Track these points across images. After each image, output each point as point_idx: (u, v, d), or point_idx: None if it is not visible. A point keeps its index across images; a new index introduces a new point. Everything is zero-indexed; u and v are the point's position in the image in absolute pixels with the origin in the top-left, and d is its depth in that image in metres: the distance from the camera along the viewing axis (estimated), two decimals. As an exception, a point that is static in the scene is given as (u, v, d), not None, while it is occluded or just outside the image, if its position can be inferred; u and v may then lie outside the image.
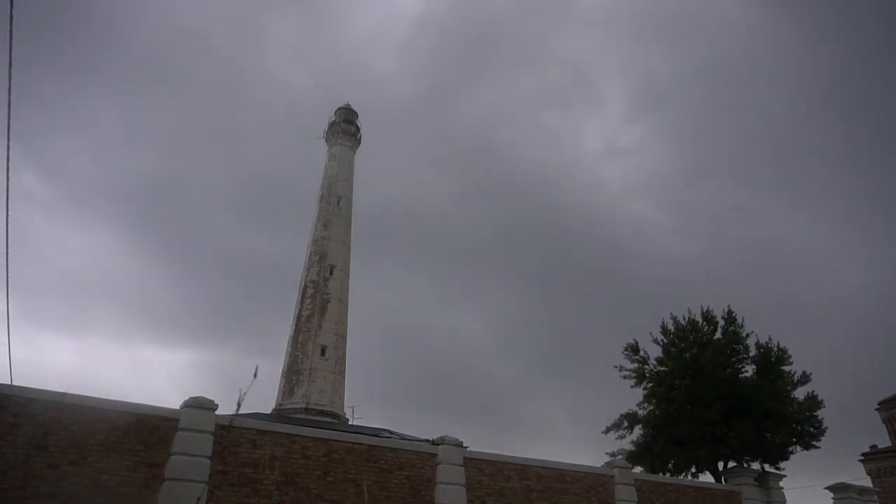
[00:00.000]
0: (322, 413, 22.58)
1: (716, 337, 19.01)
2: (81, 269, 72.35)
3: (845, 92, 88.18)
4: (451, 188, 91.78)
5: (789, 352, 18.51)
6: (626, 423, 19.26)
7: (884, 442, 37.03)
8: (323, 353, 24.44)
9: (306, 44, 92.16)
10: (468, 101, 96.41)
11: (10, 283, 10.81)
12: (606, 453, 19.52)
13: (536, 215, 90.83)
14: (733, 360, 18.59)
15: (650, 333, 19.89)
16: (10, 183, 8.46)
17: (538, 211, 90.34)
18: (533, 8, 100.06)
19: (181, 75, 77.92)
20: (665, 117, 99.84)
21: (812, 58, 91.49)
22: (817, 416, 17.83)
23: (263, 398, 24.62)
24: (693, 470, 18.65)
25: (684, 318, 19.60)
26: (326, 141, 31.67)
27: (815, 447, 17.81)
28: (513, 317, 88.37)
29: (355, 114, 32.74)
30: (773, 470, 17.60)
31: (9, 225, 9.66)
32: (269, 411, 22.80)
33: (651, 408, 19.00)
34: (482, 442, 12.91)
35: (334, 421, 22.11)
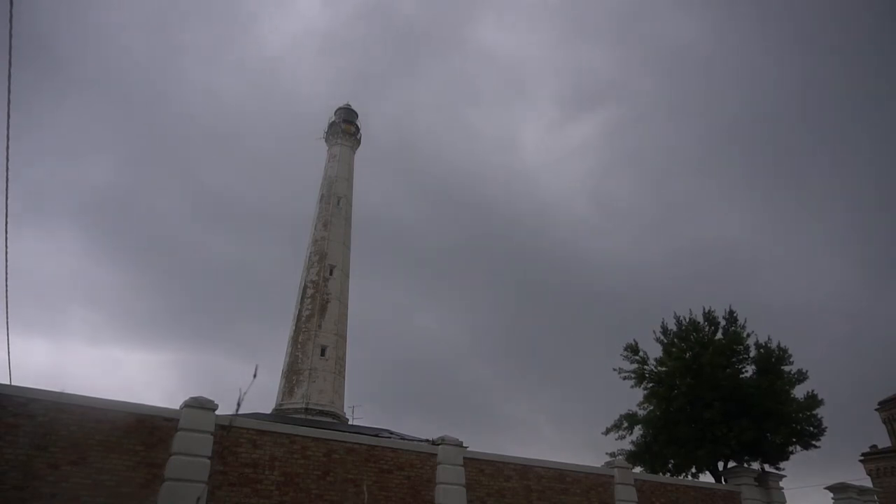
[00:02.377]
0: (322, 413, 22.58)
1: (717, 337, 19.02)
2: (47, 273, 71.83)
3: (796, 90, 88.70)
4: (396, 194, 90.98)
5: (789, 351, 18.55)
6: (625, 424, 19.25)
7: (884, 442, 37.05)
8: (323, 353, 24.44)
9: (224, 55, 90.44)
10: (398, 104, 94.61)
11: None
12: (606, 453, 19.54)
13: (488, 222, 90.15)
14: (734, 360, 18.59)
15: (652, 332, 19.92)
16: (7, 187, 8.47)
17: (489, 217, 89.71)
18: (465, 6, 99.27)
19: (116, 91, 76.48)
20: (605, 117, 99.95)
21: (764, 56, 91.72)
22: (817, 415, 17.82)
23: (263, 398, 24.66)
24: (693, 470, 18.64)
25: (685, 318, 19.61)
26: (326, 141, 31.66)
27: (815, 447, 17.81)
28: (476, 322, 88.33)
29: (355, 114, 32.72)
30: (772, 470, 17.60)
31: (8, 227, 9.66)
32: (269, 411, 22.80)
33: (651, 408, 18.99)
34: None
35: (334, 421, 22.11)
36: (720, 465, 18.08)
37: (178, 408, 9.78)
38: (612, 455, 18.87)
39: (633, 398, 19.50)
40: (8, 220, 9.52)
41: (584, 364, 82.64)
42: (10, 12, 5.73)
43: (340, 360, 25.25)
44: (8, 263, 10.60)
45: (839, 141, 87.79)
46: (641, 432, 19.14)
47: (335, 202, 28.77)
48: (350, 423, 24.00)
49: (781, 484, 17.26)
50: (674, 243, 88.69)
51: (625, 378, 19.58)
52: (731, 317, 19.21)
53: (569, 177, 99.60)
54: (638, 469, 17.88)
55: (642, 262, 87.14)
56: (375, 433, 15.68)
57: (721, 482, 17.32)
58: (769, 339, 18.80)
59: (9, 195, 8.70)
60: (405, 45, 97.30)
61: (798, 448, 17.90)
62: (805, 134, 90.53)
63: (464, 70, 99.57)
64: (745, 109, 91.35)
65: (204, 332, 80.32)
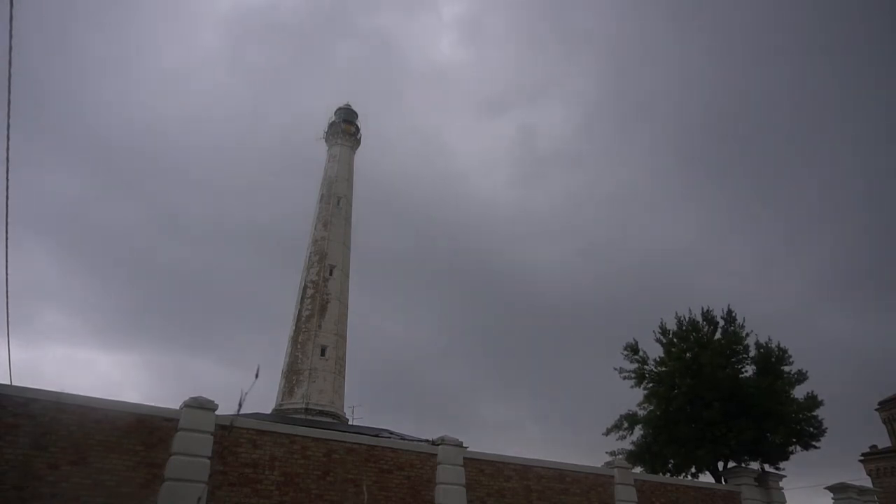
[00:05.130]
0: (322, 413, 22.59)
1: (716, 337, 19.03)
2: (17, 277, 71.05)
3: (743, 94, 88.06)
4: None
5: (789, 351, 18.56)
6: (626, 424, 19.26)
7: (884, 442, 37.06)
8: (323, 353, 24.45)
9: (128, 65, 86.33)
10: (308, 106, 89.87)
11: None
12: (606, 452, 19.56)
13: (434, 229, 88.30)
14: (733, 360, 18.59)
15: (653, 332, 19.94)
16: (7, 189, 8.46)
17: (433, 224, 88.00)
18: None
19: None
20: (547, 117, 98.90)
21: (722, 57, 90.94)
22: (816, 415, 17.82)
23: (262, 399, 24.65)
24: (693, 470, 18.65)
25: (685, 318, 19.62)
26: (326, 141, 31.70)
27: (815, 447, 17.80)
28: (442, 325, 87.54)
29: (355, 114, 32.76)
30: (772, 470, 17.60)
31: (8, 228, 9.67)
32: (269, 411, 22.81)
33: (651, 408, 19.00)
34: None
35: (334, 421, 22.11)
36: (720, 465, 18.08)
37: (178, 408, 9.79)
38: (612, 455, 18.89)
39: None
40: (8, 221, 9.53)
41: (572, 367, 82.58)
42: (10, 13, 5.74)
43: (340, 360, 25.26)
44: (8, 264, 10.60)
45: (805, 142, 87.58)
46: (642, 432, 19.15)
47: (335, 202, 28.78)
48: (350, 423, 24.02)
49: (781, 484, 17.26)
50: (644, 245, 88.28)
51: (625, 378, 19.60)
52: (730, 316, 19.22)
53: (502, 178, 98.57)
54: (638, 469, 17.89)
55: (609, 266, 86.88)
56: (375, 433, 15.68)
57: (721, 482, 17.31)
58: (769, 339, 18.85)
59: (8, 195, 8.71)
60: (312, 43, 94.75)
61: (798, 448, 17.90)
62: (771, 133, 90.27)
63: (396, 70, 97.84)
64: (689, 112, 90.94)
65: (185, 335, 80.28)
